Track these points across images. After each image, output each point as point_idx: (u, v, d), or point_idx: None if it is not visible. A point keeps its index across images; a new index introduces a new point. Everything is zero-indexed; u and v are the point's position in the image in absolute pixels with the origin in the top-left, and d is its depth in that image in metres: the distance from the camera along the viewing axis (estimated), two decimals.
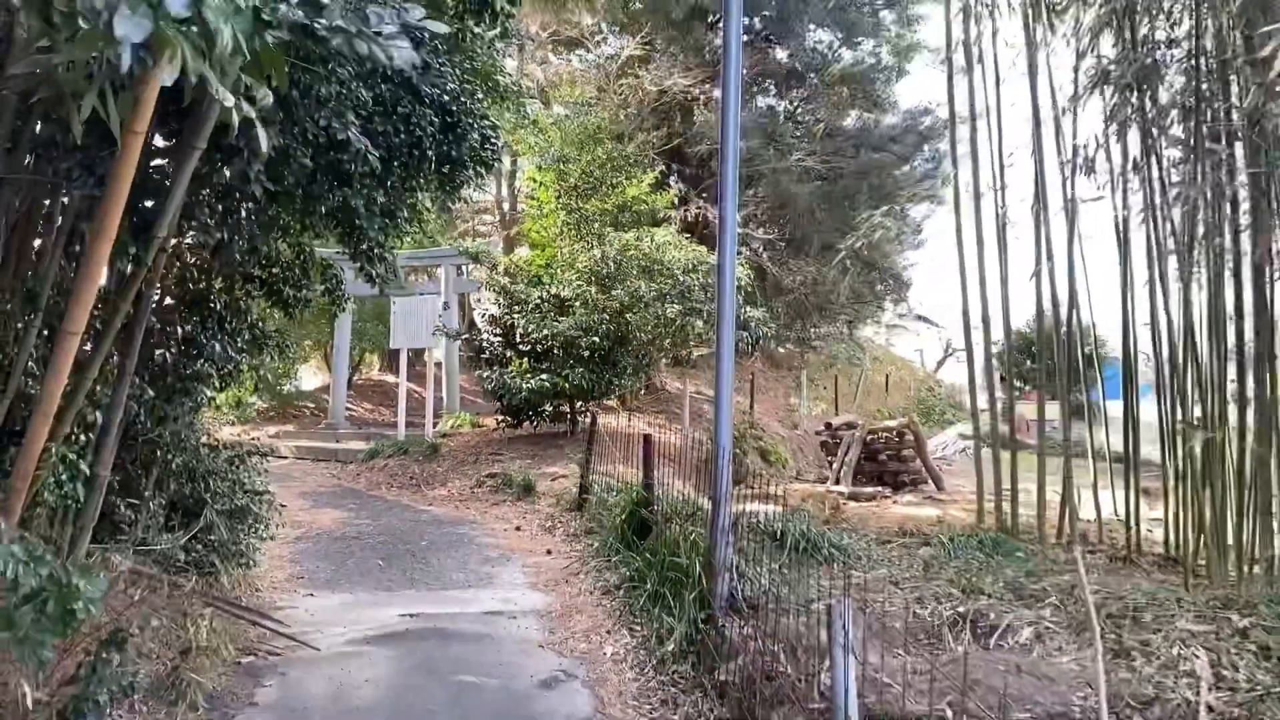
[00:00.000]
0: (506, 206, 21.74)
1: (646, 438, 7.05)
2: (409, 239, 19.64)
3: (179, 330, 4.46)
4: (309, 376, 20.45)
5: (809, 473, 15.68)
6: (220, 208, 4.08)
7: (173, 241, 4.92)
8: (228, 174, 3.36)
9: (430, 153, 4.09)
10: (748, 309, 13.24)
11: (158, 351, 4.44)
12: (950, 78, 8.90)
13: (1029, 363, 39.46)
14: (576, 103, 12.67)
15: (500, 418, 12.26)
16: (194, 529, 5.44)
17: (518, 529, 8.68)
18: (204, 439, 5.76)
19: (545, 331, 11.35)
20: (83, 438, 4.14)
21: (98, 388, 3.97)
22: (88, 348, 3.59)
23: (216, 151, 3.41)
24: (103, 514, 4.93)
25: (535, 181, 12.39)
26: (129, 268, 3.50)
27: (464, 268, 16.99)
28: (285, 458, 13.75)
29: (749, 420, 14.64)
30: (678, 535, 6.24)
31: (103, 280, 3.34)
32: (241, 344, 5.06)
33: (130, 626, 4.34)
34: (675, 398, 15.88)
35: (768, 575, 5.46)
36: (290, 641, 5.06)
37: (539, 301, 11.93)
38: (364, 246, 4.89)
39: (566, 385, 11.33)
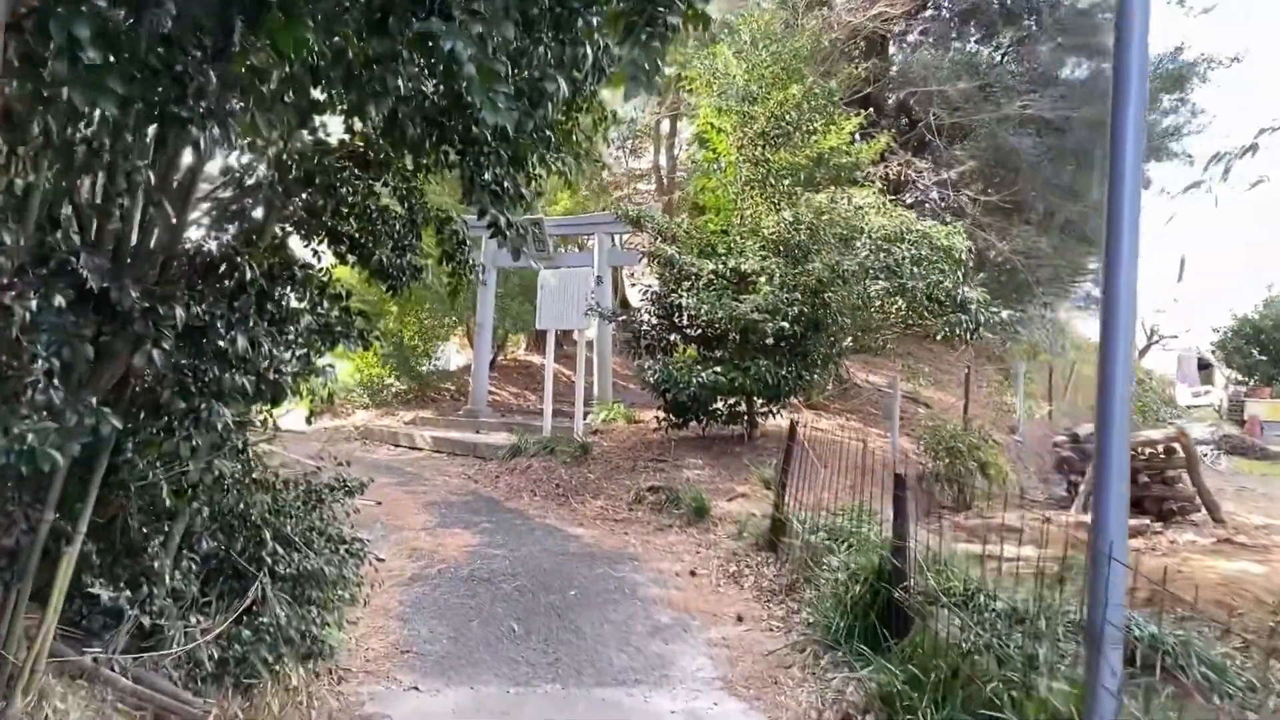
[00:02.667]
0: (665, 170, 19.69)
1: (898, 478, 4.76)
2: (558, 191, 17.88)
3: (175, 314, 2.56)
4: (454, 355, 19.16)
5: (1034, 490, 12.88)
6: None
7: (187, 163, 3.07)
8: None
9: None
10: (964, 288, 10.66)
11: (138, 352, 2.55)
12: None
13: (1256, 352, 34.06)
14: (763, 33, 10.31)
15: (662, 415, 10.21)
16: (240, 607, 3.64)
17: (693, 574, 6.60)
18: (261, 470, 3.94)
19: (720, 313, 9.18)
20: None
21: None
22: None
23: None
24: (86, 595, 3.18)
25: (712, 127, 10.20)
26: None
27: (618, 238, 15.06)
28: (419, 449, 12.27)
29: (965, 425, 11.98)
30: (969, 642, 3.98)
31: None
32: (296, 335, 3.14)
33: None
34: (864, 393, 13.42)
35: None
36: None
37: (712, 277, 9.78)
38: (487, 174, 2.86)
39: (746, 380, 9.14)
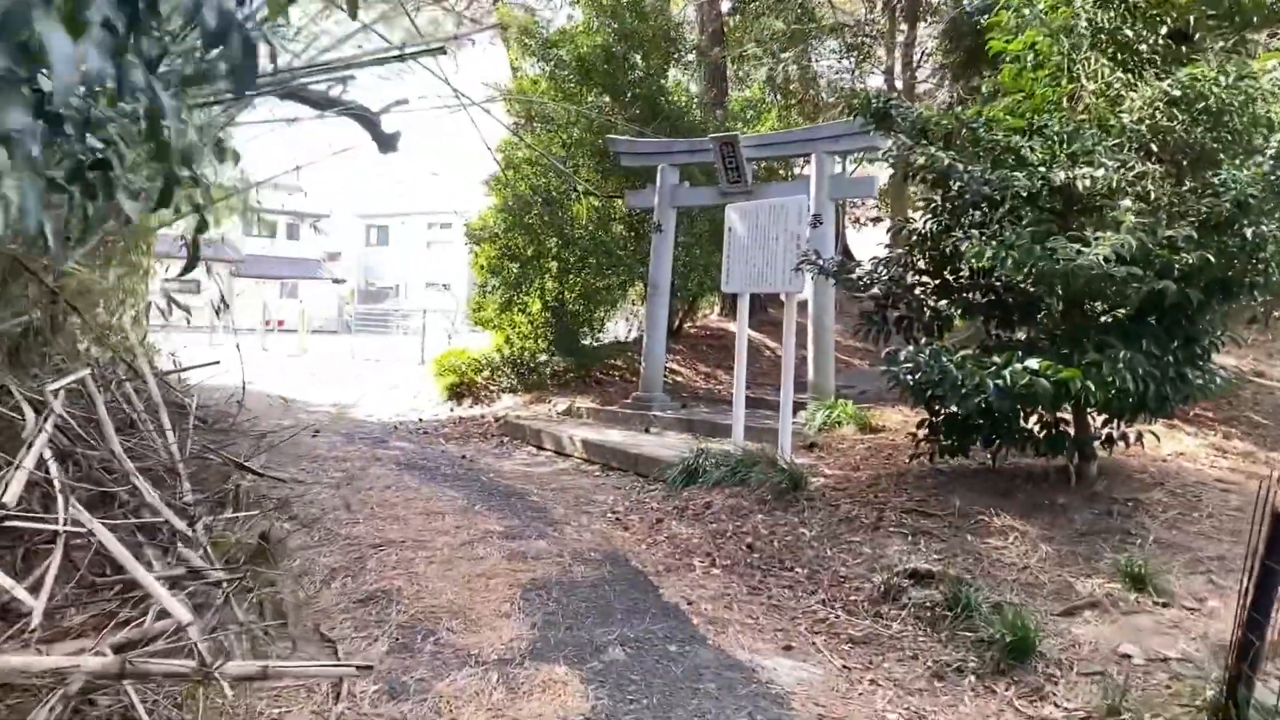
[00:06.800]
0: (902, 84, 15.29)
1: None
2: (764, 112, 13.99)
3: None
4: (624, 323, 15.89)
5: None
6: None
7: None
8: None
9: None
10: None
11: None
12: None
13: None
14: None
15: (926, 434, 6.32)
16: None
17: None
18: None
19: (1040, 264, 5.14)
20: None
21: None
22: None
23: None
24: None
25: None
26: None
27: (844, 160, 11.08)
28: (565, 456, 9.10)
29: None
30: None
31: None
32: None
33: None
34: (1231, 395, 8.74)
35: None
36: None
37: (1019, 202, 5.71)
38: None
39: (1088, 382, 5.08)
